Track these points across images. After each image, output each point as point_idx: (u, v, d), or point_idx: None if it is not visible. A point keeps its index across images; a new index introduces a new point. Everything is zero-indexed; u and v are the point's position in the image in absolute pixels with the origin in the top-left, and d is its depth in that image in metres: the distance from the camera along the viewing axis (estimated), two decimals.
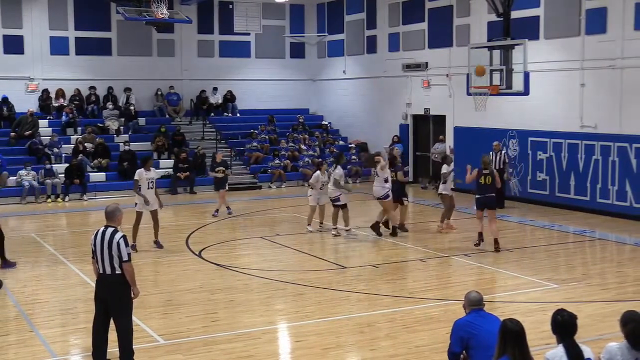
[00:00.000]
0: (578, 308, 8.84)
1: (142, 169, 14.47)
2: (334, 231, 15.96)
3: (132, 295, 7.99)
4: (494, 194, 14.63)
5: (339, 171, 16.00)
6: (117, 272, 7.80)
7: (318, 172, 16.38)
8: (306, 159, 25.65)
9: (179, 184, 23.44)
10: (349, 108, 28.28)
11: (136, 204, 14.53)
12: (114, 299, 7.89)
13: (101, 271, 7.87)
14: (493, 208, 14.58)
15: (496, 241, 14.25)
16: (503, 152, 19.74)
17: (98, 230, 7.93)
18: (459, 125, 22.89)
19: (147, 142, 25.20)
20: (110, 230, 7.84)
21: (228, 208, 18.90)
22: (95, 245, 7.86)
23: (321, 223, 16.65)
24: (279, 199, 22.20)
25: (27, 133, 23.67)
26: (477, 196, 14.59)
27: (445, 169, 16.24)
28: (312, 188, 16.45)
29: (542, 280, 12.12)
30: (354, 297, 11.21)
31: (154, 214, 14.66)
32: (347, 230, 16.00)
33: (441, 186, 16.38)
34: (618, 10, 17.98)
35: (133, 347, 8.06)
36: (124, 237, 7.83)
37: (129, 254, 7.80)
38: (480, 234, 14.57)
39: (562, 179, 19.40)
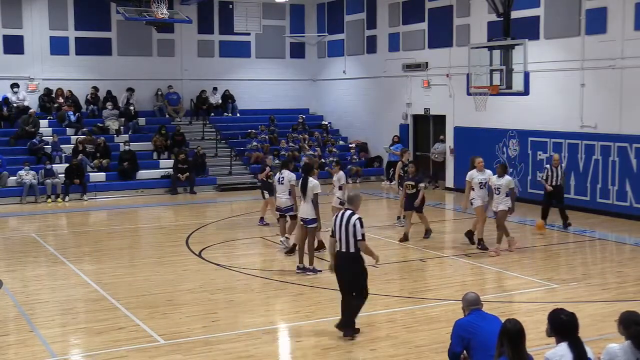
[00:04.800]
0: (578, 308, 8.83)
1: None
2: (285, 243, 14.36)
3: (374, 261, 9.20)
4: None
5: (293, 175, 13.97)
6: (351, 250, 8.90)
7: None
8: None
9: (179, 184, 23.42)
10: (349, 108, 28.27)
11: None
12: (349, 274, 9.02)
13: (338, 248, 9.01)
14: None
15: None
16: (563, 164, 17.86)
17: (339, 213, 9.11)
18: (459, 125, 22.90)
19: (147, 142, 25.21)
20: (348, 212, 9.02)
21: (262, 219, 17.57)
22: (335, 225, 9.02)
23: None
24: None
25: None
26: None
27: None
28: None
29: (542, 280, 12.12)
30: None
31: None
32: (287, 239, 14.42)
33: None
34: (618, 10, 17.98)
35: (359, 312, 9.17)
36: (359, 219, 8.92)
37: (363, 234, 8.88)
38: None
39: None
